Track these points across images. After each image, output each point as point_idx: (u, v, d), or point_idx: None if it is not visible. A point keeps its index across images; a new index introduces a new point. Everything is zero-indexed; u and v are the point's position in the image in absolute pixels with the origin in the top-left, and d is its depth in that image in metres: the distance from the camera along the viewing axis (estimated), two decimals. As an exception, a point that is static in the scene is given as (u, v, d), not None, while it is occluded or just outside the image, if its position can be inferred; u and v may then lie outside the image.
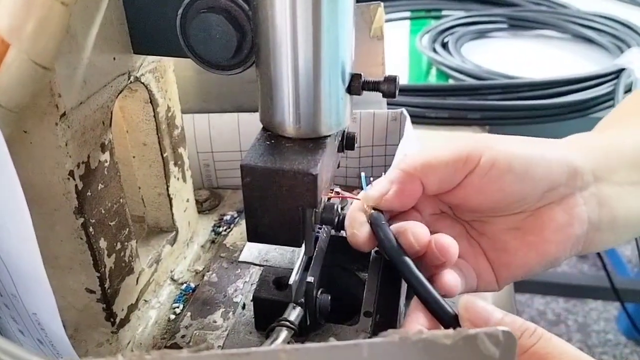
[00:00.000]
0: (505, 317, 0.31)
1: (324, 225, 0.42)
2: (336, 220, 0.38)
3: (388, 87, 0.35)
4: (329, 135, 0.35)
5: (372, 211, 0.38)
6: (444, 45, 0.98)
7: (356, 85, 0.35)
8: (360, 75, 0.35)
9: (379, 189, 0.39)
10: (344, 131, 0.39)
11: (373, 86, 0.35)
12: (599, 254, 1.22)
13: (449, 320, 0.33)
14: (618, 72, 0.80)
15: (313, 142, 0.35)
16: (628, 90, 0.78)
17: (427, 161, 0.39)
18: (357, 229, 0.38)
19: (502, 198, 0.39)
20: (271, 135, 0.35)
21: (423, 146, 0.54)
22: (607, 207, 0.40)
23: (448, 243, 0.36)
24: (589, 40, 1.01)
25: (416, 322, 0.34)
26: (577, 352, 0.30)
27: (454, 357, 0.23)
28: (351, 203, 0.53)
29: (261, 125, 0.36)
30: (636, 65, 0.81)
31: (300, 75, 0.33)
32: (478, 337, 0.23)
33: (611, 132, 0.48)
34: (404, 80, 0.90)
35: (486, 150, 0.38)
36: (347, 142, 0.40)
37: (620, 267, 1.82)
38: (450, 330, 0.23)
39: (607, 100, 0.76)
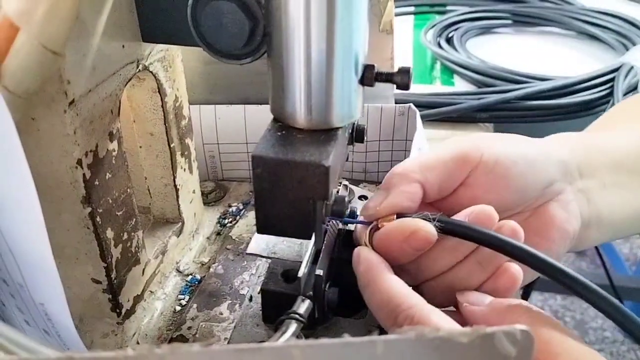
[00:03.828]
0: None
1: (332, 218, 0.41)
2: (346, 213, 0.37)
3: (402, 79, 0.34)
4: (341, 127, 0.35)
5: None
6: (449, 41, 0.97)
7: (369, 77, 0.34)
8: (374, 66, 0.34)
9: (375, 199, 0.37)
10: (354, 124, 0.39)
11: (386, 78, 0.35)
12: (598, 252, 1.22)
13: None
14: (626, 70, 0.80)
15: (324, 134, 0.34)
16: (634, 88, 0.78)
17: (424, 162, 0.37)
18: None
19: (508, 195, 0.38)
20: (282, 126, 0.35)
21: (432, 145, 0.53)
22: (593, 203, 0.40)
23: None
24: (594, 38, 1.01)
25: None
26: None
27: (470, 355, 0.22)
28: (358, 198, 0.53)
29: (268, 118, 0.36)
30: (642, 62, 0.80)
31: (312, 65, 0.32)
32: (495, 336, 0.23)
33: (593, 135, 0.47)
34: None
35: (485, 148, 0.37)
36: (357, 134, 0.39)
37: (619, 265, 1.82)
38: (468, 329, 0.22)
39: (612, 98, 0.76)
